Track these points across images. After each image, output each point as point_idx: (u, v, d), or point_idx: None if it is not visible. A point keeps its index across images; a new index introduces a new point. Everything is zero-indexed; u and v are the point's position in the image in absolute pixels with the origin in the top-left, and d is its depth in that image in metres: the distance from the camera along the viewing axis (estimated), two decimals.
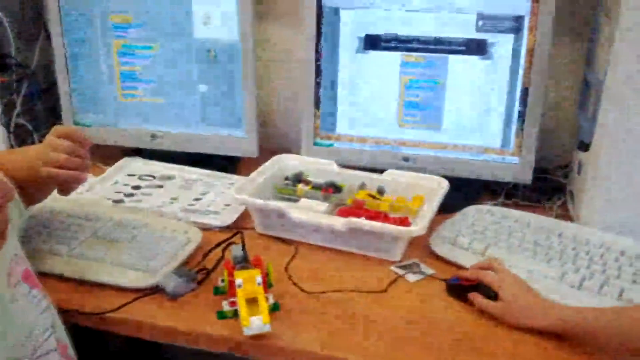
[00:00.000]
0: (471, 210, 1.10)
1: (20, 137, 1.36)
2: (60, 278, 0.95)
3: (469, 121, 1.15)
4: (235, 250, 0.92)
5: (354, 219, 0.98)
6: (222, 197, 1.20)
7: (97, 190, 1.23)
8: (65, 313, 0.87)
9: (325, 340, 0.83)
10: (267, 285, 0.88)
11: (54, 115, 1.40)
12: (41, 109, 1.41)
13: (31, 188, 0.95)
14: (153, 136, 1.33)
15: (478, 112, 1.15)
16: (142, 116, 1.33)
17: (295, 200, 1.11)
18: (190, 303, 0.91)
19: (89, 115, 1.34)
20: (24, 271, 0.82)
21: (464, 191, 1.16)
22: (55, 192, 1.00)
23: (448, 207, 1.07)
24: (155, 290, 0.92)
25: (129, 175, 1.29)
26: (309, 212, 1.04)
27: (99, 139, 1.29)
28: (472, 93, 1.14)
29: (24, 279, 0.81)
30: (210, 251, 1.01)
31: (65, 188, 0.96)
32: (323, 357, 0.82)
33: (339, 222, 0.99)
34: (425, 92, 1.16)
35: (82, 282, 0.95)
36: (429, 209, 1.01)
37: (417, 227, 0.96)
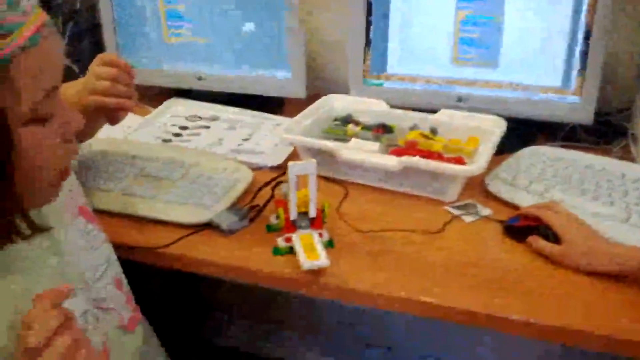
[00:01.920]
0: (528, 151, 1.08)
1: (66, 78, 1.36)
2: (112, 215, 0.97)
3: (527, 59, 1.11)
4: (284, 188, 0.92)
5: (408, 158, 0.96)
6: (269, 137, 1.20)
7: (144, 131, 1.24)
8: (117, 249, 0.88)
9: (379, 279, 0.83)
10: (321, 221, 0.88)
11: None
12: (86, 50, 1.41)
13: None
14: (198, 77, 1.32)
15: (537, 50, 1.10)
16: (187, 57, 1.32)
17: (345, 141, 1.09)
18: (243, 240, 0.92)
19: (134, 56, 1.34)
20: (80, 207, 0.83)
21: (520, 132, 1.13)
22: (102, 134, 1.00)
23: (503, 148, 1.04)
24: (207, 227, 0.93)
25: (175, 116, 1.30)
26: (360, 151, 1.03)
27: (144, 80, 1.29)
28: (531, 30, 1.10)
29: (79, 214, 0.82)
30: (260, 189, 1.01)
31: (113, 117, 0.95)
32: (377, 295, 0.82)
33: (393, 162, 0.97)
34: (482, 28, 1.11)
35: (134, 219, 0.96)
36: (487, 148, 0.99)
37: (476, 166, 0.94)
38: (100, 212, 0.94)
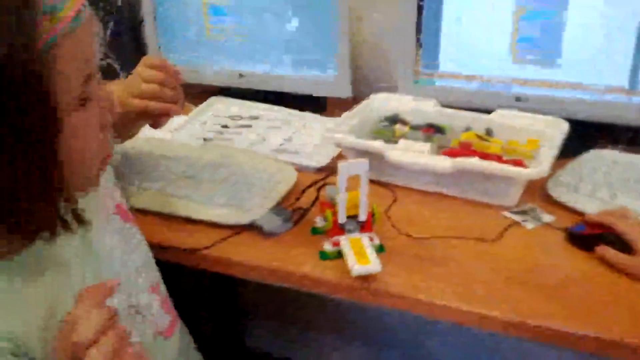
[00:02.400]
0: (592, 155, 1.01)
1: (107, 76, 1.35)
2: (150, 214, 0.93)
3: (591, 57, 1.04)
4: (331, 190, 0.88)
5: (464, 159, 0.91)
6: (313, 138, 1.16)
7: (185, 130, 1.21)
8: (153, 249, 0.85)
9: (433, 288, 0.78)
10: (371, 224, 0.83)
11: (140, 54, 1.38)
12: (127, 47, 1.40)
13: (122, 122, 0.93)
14: (240, 75, 1.29)
15: (602, 48, 1.04)
16: (229, 54, 1.29)
17: (393, 142, 1.04)
18: (287, 243, 0.87)
19: (174, 53, 1.32)
20: (117, 205, 0.80)
21: (579, 135, 1.06)
22: (143, 133, 0.98)
23: (563, 152, 0.97)
24: (249, 228, 0.89)
25: (217, 115, 1.27)
26: (410, 153, 0.98)
27: (184, 78, 1.26)
28: (595, 26, 1.03)
29: (116, 212, 0.79)
30: (304, 191, 0.97)
31: (157, 121, 0.93)
32: (429, 304, 0.77)
33: (446, 163, 0.92)
34: (543, 25, 1.05)
35: (172, 219, 0.93)
36: (549, 151, 0.92)
37: (539, 170, 0.87)
38: (137, 212, 0.91)
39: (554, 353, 1.39)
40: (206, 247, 0.87)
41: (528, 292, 0.77)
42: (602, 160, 0.99)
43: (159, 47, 1.32)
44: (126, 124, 0.94)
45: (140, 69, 0.90)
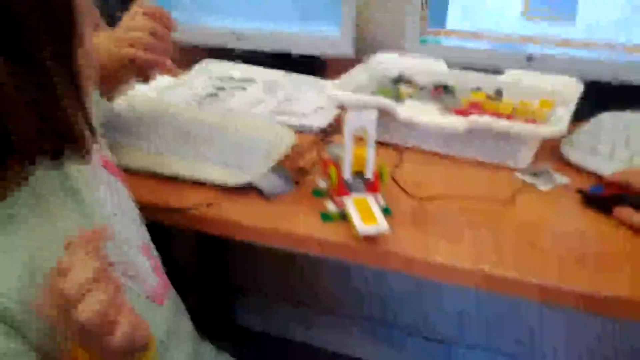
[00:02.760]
0: (608, 116, 0.96)
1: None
2: (140, 175, 0.88)
3: (610, 14, 0.99)
4: (335, 148, 0.83)
5: (478, 117, 0.86)
6: (312, 100, 1.10)
7: (176, 91, 1.15)
8: (143, 210, 0.80)
9: (444, 249, 0.73)
10: (378, 183, 0.78)
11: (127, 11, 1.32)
12: (113, 3, 1.33)
13: (110, 74, 0.87)
14: (235, 34, 1.23)
15: (622, 3, 0.99)
16: (223, 12, 1.23)
17: (398, 103, 0.99)
18: (287, 204, 0.82)
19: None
20: (103, 158, 0.75)
21: (595, 97, 1.01)
22: (132, 94, 0.92)
23: (575, 114, 0.92)
24: (247, 189, 0.84)
25: (210, 77, 1.21)
26: (421, 111, 0.92)
27: (176, 38, 1.20)
28: None
29: (102, 165, 0.74)
30: (306, 150, 0.92)
31: (145, 74, 0.87)
32: (440, 266, 0.72)
33: (458, 122, 0.87)
34: None
35: (163, 180, 0.87)
36: (565, 110, 0.88)
37: (557, 127, 0.83)
38: (126, 172, 0.86)
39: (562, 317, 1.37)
40: (201, 206, 0.81)
41: (543, 254, 0.72)
42: (618, 121, 0.94)
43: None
44: (113, 77, 0.88)
45: (131, 16, 0.85)
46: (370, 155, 0.76)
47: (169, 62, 0.84)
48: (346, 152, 0.75)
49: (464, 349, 1.52)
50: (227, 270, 1.67)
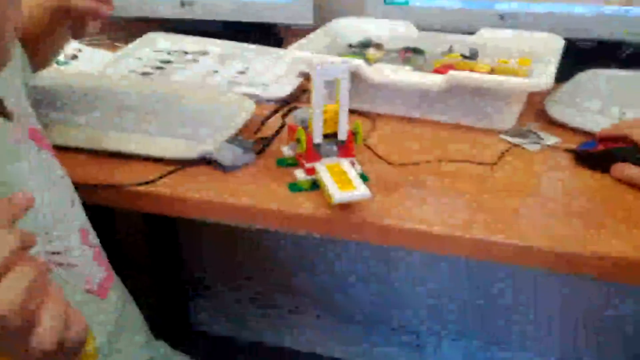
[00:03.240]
0: (590, 74, 0.90)
1: None
2: (76, 152, 0.77)
3: None
4: (300, 112, 0.74)
5: (458, 73, 0.78)
6: (270, 70, 1.01)
7: (116, 67, 1.04)
8: (82, 191, 0.69)
9: (428, 217, 0.65)
10: (353, 146, 0.69)
11: None
12: None
13: (40, 30, 0.75)
14: (182, 3, 1.13)
15: None
16: None
17: None
18: (250, 176, 0.73)
19: None
20: (31, 129, 0.64)
21: (572, 55, 0.95)
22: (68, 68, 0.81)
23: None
24: (203, 163, 0.74)
25: (156, 51, 1.10)
26: (391, 72, 0.84)
27: (118, 9, 1.08)
28: None
29: (29, 137, 0.63)
30: (267, 119, 0.82)
31: (80, 26, 0.75)
32: (425, 234, 0.64)
33: (436, 79, 0.79)
34: None
35: (104, 157, 0.76)
36: (547, 65, 0.81)
37: (544, 80, 0.76)
38: (61, 150, 0.75)
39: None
40: (150, 182, 0.71)
41: (536, 217, 0.65)
42: (603, 78, 0.89)
43: None
44: (46, 32, 0.76)
45: None
46: (343, 114, 0.67)
47: (108, 12, 0.73)
48: (316, 111, 0.66)
49: (435, 339, 1.46)
50: (181, 263, 1.55)
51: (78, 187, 0.69)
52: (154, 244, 1.45)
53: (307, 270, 1.47)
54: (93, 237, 0.69)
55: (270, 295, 1.54)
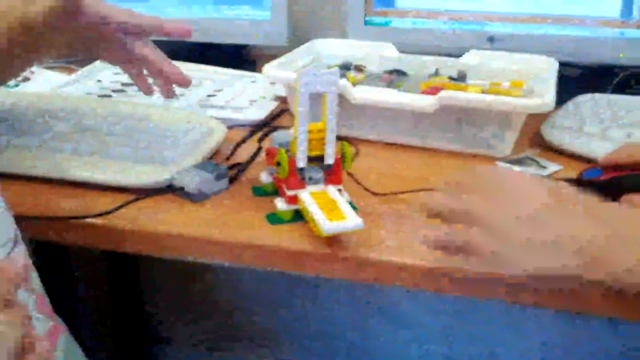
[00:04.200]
0: (586, 98, 0.85)
1: None
2: (22, 179, 0.68)
3: None
4: (282, 135, 0.66)
5: (451, 93, 0.72)
6: (243, 94, 0.94)
7: (73, 87, 0.95)
8: (25, 224, 0.59)
9: (423, 251, 0.58)
10: (340, 172, 0.62)
11: None
12: None
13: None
14: None
15: None
16: None
17: None
18: (222, 207, 0.64)
19: None
20: None
21: (567, 78, 0.91)
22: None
23: None
24: (168, 191, 0.66)
25: (116, 73, 1.01)
26: (376, 94, 0.78)
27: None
28: None
29: None
30: (243, 142, 0.75)
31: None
32: (421, 269, 0.57)
33: (427, 100, 0.73)
34: None
35: (58, 185, 0.67)
36: (546, 86, 0.76)
37: (545, 100, 0.70)
38: (7, 177, 0.66)
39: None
40: (104, 213, 0.62)
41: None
42: (600, 102, 0.84)
43: None
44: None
45: None
46: (331, 133, 0.59)
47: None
48: (300, 129, 0.58)
49: None
50: (144, 316, 1.44)
51: (21, 220, 0.59)
52: (114, 283, 1.34)
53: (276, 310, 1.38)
54: (36, 282, 0.59)
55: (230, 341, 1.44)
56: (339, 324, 1.35)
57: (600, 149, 0.72)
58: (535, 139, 0.80)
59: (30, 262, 0.58)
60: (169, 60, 0.74)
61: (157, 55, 0.73)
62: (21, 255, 0.56)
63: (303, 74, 0.56)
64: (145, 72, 0.76)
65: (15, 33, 0.63)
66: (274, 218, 0.61)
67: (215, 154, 0.74)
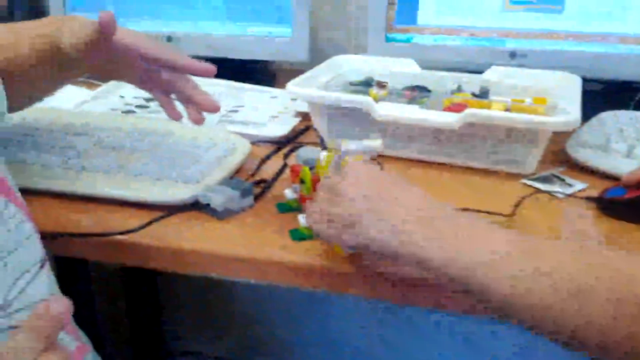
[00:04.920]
0: (610, 115, 0.85)
1: None
2: (51, 196, 0.69)
3: (600, 2, 0.90)
4: (306, 152, 0.67)
5: (474, 111, 0.72)
6: (264, 109, 0.94)
7: (96, 103, 0.96)
8: (52, 241, 0.60)
9: None
10: None
11: (37, 13, 1.13)
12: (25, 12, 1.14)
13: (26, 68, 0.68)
14: (168, 38, 1.07)
15: None
16: (152, 11, 1.06)
17: None
18: (247, 224, 0.65)
19: (82, 12, 1.08)
20: None
21: (590, 95, 0.91)
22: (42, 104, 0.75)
23: None
24: (194, 208, 0.66)
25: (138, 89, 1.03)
26: (400, 110, 0.78)
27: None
28: None
29: None
30: (268, 158, 0.75)
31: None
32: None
33: (452, 118, 0.73)
34: None
35: (82, 201, 0.68)
36: (570, 102, 0.76)
37: (571, 118, 0.70)
38: (31, 194, 0.67)
39: None
40: (131, 230, 0.62)
41: None
42: (622, 118, 0.84)
43: (64, 7, 1.08)
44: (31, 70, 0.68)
45: None
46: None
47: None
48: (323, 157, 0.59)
49: None
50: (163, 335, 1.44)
51: (46, 236, 0.60)
52: (132, 298, 1.34)
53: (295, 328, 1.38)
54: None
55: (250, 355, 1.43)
56: (361, 337, 1.34)
57: (625, 166, 0.72)
58: (560, 155, 0.79)
59: (55, 290, 0.58)
60: (198, 86, 0.74)
61: (185, 82, 0.74)
62: (53, 283, 0.57)
63: (347, 146, 0.58)
64: (173, 96, 0.76)
65: (46, 57, 0.65)
66: (297, 234, 0.62)
67: (240, 170, 0.75)
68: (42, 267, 0.56)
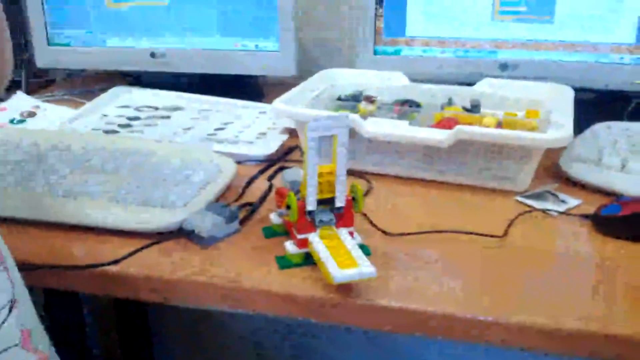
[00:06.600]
0: (602, 126, 0.84)
1: None
2: (26, 225, 0.67)
3: (591, 10, 0.89)
4: (290, 174, 0.66)
5: (464, 127, 0.71)
6: (253, 126, 0.93)
7: (79, 122, 0.95)
8: (34, 273, 0.60)
9: (438, 297, 0.57)
10: (352, 215, 0.61)
11: (20, 34, 1.12)
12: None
13: None
14: (152, 54, 1.05)
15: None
16: (136, 28, 1.05)
17: None
18: (232, 250, 0.63)
19: (66, 32, 1.07)
20: None
21: (581, 105, 0.90)
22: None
23: None
24: (178, 235, 0.65)
25: (123, 106, 1.01)
26: (389, 127, 0.77)
27: (80, 62, 1.02)
28: None
29: None
30: (252, 181, 0.74)
31: None
32: (440, 317, 0.55)
33: (442, 135, 0.72)
34: None
35: (64, 229, 0.67)
36: (562, 116, 0.75)
37: (563, 134, 0.69)
38: (16, 222, 0.66)
39: None
40: (118, 260, 0.61)
41: (563, 296, 0.57)
42: (617, 130, 0.83)
43: (45, 24, 1.06)
44: None
45: None
46: (341, 177, 0.59)
47: None
48: (309, 173, 0.57)
49: None
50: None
51: (24, 268, 0.59)
52: (124, 330, 1.33)
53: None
54: (35, 336, 0.57)
55: None
56: None
57: (619, 181, 0.71)
58: (553, 171, 0.78)
59: (33, 325, 0.56)
60: None
61: None
62: (29, 318, 0.55)
63: (312, 120, 0.55)
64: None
65: None
66: (284, 261, 0.60)
67: (225, 192, 0.73)
68: (11, 309, 0.54)
